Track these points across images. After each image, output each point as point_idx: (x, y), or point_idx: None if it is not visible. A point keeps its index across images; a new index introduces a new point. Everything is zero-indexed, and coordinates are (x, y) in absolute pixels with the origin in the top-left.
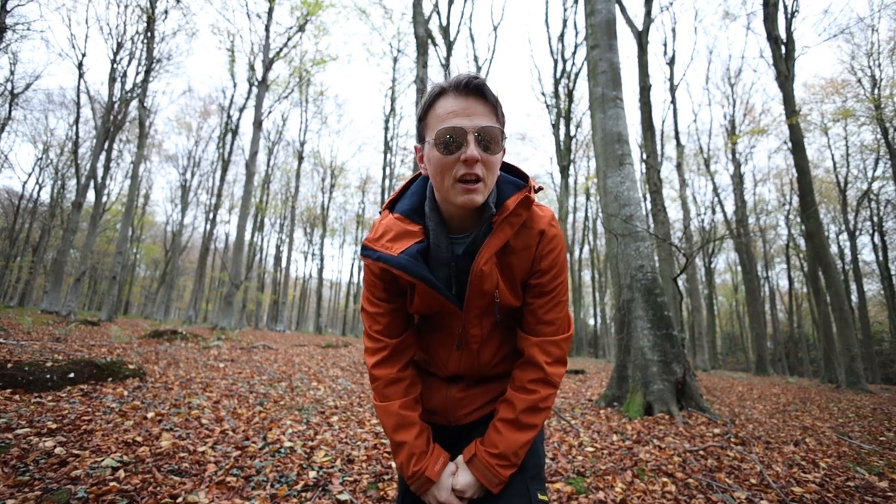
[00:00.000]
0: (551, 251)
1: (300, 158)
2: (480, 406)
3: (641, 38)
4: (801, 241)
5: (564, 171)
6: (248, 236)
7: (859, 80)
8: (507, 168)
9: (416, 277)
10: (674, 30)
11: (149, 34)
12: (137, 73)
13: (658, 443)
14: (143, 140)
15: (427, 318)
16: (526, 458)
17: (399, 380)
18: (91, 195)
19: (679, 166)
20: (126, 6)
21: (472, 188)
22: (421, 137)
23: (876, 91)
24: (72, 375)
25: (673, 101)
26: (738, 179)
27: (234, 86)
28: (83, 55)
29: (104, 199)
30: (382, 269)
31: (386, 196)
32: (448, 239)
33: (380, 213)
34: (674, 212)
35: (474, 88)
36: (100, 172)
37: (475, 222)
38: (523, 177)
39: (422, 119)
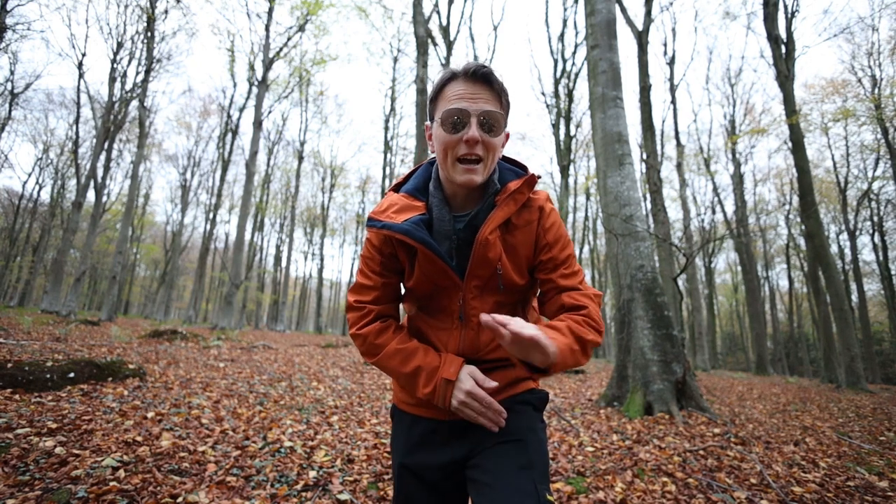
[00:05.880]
0: (553, 224)
1: (300, 158)
2: None
3: (641, 38)
4: (801, 241)
5: (564, 171)
6: (248, 236)
7: (859, 80)
8: (508, 161)
9: (418, 241)
10: (674, 30)
11: (149, 34)
12: (137, 73)
13: (658, 442)
14: (143, 140)
15: (425, 303)
16: (535, 456)
17: (385, 328)
18: (91, 195)
19: (679, 166)
20: (126, 6)
21: (471, 168)
22: (431, 117)
23: (876, 91)
24: (72, 375)
25: (673, 101)
26: (738, 179)
27: (234, 86)
28: (83, 55)
29: (104, 199)
30: (385, 239)
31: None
32: (450, 215)
33: (384, 194)
34: (674, 212)
35: (481, 76)
36: (100, 172)
37: (476, 202)
38: (523, 167)
39: (433, 100)
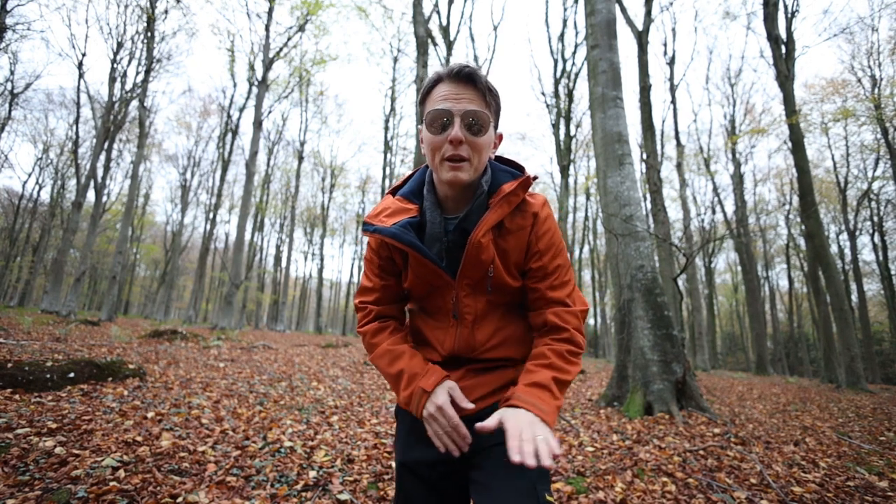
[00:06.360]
0: (546, 231)
1: (300, 158)
2: (481, 397)
3: (641, 38)
4: (801, 241)
5: (564, 171)
6: (248, 236)
7: (859, 80)
8: (505, 162)
9: (405, 244)
10: (674, 30)
11: (149, 34)
12: (137, 73)
13: (658, 442)
14: (143, 140)
15: (423, 303)
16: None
17: (382, 329)
18: (91, 195)
19: (679, 166)
20: (126, 6)
21: (457, 166)
22: (421, 119)
23: (876, 91)
24: (72, 375)
25: (673, 101)
26: (738, 179)
27: (234, 86)
28: (83, 55)
29: (104, 199)
30: (380, 243)
31: None
32: (442, 217)
33: (385, 195)
34: (674, 212)
35: (465, 76)
36: (100, 172)
37: (468, 204)
38: (519, 168)
39: (421, 103)
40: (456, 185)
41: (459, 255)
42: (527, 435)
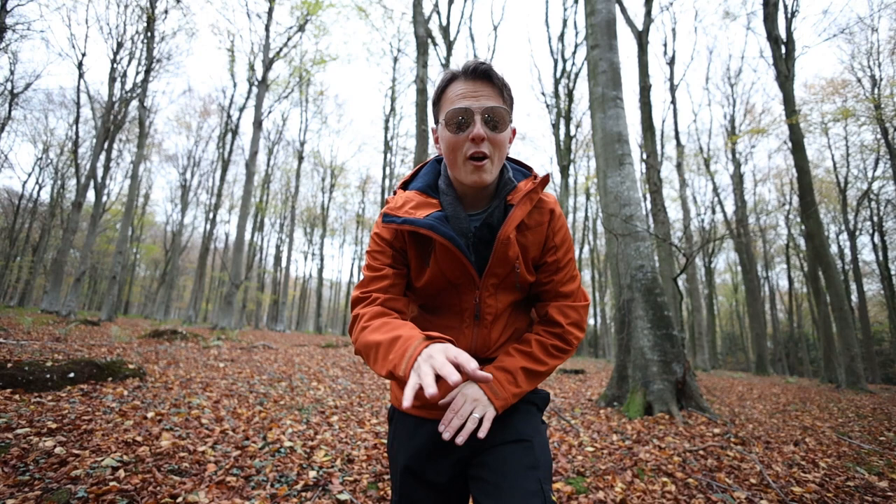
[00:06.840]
0: (561, 227)
1: (300, 158)
2: None
3: (641, 38)
4: (801, 241)
5: (564, 171)
6: (248, 236)
7: (859, 80)
8: (513, 162)
9: (444, 237)
10: (674, 30)
11: (149, 34)
12: (137, 73)
13: (658, 442)
14: (143, 140)
15: (430, 301)
16: (541, 456)
17: (385, 314)
18: (91, 195)
19: (679, 166)
20: (126, 6)
21: (480, 165)
22: (436, 119)
23: (876, 91)
24: (72, 375)
25: (673, 101)
26: (738, 179)
27: (234, 86)
28: (83, 55)
29: (104, 198)
30: (396, 234)
31: (386, 196)
32: (465, 213)
33: (393, 193)
34: (674, 212)
35: (482, 73)
36: (100, 172)
37: (487, 200)
38: (527, 167)
39: (436, 103)
40: (479, 186)
41: (484, 252)
42: (464, 411)
